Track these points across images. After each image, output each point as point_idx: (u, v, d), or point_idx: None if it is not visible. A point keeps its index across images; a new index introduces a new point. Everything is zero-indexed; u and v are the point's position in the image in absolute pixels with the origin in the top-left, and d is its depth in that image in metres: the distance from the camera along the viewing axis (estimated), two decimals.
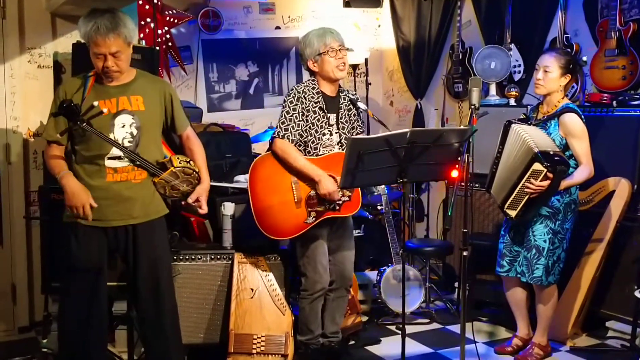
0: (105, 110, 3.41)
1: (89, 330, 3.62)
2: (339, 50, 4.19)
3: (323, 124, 4.23)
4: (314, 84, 4.25)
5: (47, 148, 3.62)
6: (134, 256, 3.66)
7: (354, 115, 4.39)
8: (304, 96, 4.19)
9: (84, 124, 3.32)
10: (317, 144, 4.22)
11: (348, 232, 4.46)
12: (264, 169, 4.19)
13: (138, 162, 3.54)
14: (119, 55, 3.45)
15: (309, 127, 4.19)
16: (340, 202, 4.18)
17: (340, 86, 4.36)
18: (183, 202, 3.78)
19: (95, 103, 3.36)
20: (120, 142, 3.53)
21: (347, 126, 4.33)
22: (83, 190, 3.46)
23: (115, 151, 3.52)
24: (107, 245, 3.64)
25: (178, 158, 3.67)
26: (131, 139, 3.56)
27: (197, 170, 3.72)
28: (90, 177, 3.54)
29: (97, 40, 3.39)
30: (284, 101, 4.23)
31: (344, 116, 4.31)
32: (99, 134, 3.40)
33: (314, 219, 4.17)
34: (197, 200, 3.74)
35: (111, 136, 3.51)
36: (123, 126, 3.55)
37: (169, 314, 3.76)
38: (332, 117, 4.27)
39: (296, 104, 4.17)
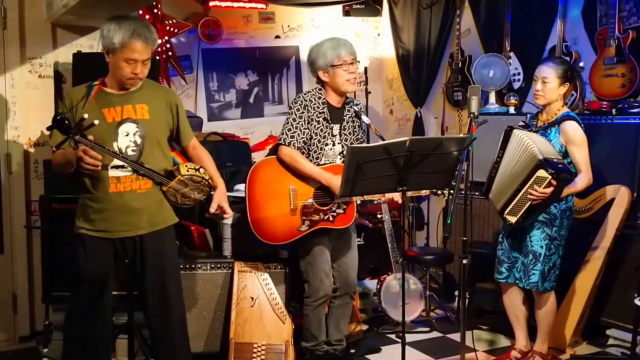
0: (96, 121, 3.30)
1: (94, 341, 3.62)
2: (351, 64, 4.20)
3: (326, 134, 4.24)
4: (320, 94, 4.27)
5: (53, 155, 3.58)
6: (142, 266, 3.65)
7: (358, 126, 4.40)
8: (309, 105, 4.21)
9: (77, 136, 3.25)
10: (319, 153, 4.24)
11: (351, 239, 4.47)
12: (264, 174, 4.23)
13: (142, 172, 3.53)
14: (147, 63, 3.49)
15: (312, 137, 4.21)
16: (335, 214, 4.20)
17: (347, 97, 4.37)
18: (207, 214, 3.79)
19: (85, 116, 3.27)
20: (123, 150, 3.51)
21: (351, 137, 4.34)
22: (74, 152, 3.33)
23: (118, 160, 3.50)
24: (115, 255, 3.63)
25: (186, 166, 3.65)
26: (135, 148, 3.54)
27: (207, 178, 3.69)
28: (95, 188, 3.53)
29: (135, 46, 3.41)
30: (290, 108, 4.26)
31: (348, 127, 4.32)
32: (93, 145, 3.32)
33: (307, 227, 4.20)
34: (219, 207, 3.74)
35: (114, 145, 3.50)
36: (127, 135, 3.53)
37: (177, 324, 3.74)
38: (336, 128, 4.28)
39: (302, 112, 4.19)
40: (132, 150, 3.54)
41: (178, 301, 3.78)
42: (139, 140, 3.56)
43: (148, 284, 3.67)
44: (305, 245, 4.30)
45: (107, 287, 3.63)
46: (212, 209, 3.74)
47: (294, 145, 4.16)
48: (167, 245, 3.72)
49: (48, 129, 3.34)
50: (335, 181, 4.10)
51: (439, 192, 4.15)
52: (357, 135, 4.39)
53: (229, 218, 3.87)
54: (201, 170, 3.69)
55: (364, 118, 4.36)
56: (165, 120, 3.68)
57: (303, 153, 4.21)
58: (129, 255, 3.65)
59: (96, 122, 3.31)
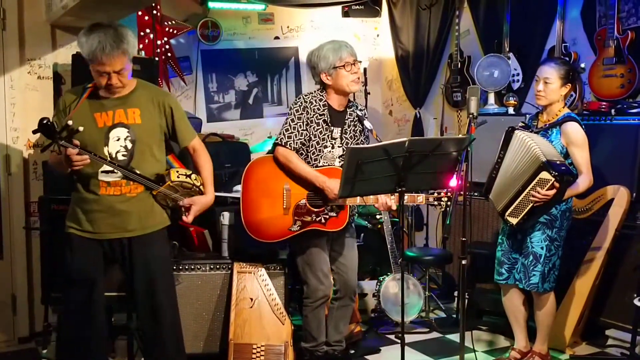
0: (81, 128, 3.25)
1: (86, 341, 3.60)
2: (354, 64, 4.20)
3: (325, 136, 4.24)
4: (322, 96, 4.26)
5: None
6: (130, 268, 3.64)
7: (360, 131, 4.39)
8: (309, 106, 4.20)
9: (62, 141, 3.22)
10: (318, 155, 4.23)
11: (350, 240, 4.47)
12: (260, 171, 4.24)
13: (131, 177, 3.51)
14: (123, 72, 3.43)
15: (311, 138, 4.20)
16: (327, 216, 4.20)
17: (350, 100, 4.36)
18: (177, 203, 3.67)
19: (70, 122, 3.24)
20: (114, 155, 3.50)
21: (352, 142, 4.33)
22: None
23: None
24: (104, 256, 3.62)
25: (177, 172, 3.62)
26: (125, 153, 3.53)
27: (198, 184, 3.67)
28: (85, 189, 3.53)
29: (102, 59, 3.34)
30: (290, 109, 4.25)
31: (349, 131, 4.31)
32: (80, 151, 3.30)
33: (298, 227, 4.20)
34: (189, 206, 3.66)
35: (105, 149, 3.49)
36: (117, 139, 3.52)
37: (168, 325, 3.71)
38: (336, 131, 4.27)
39: (302, 113, 4.18)
40: (123, 155, 3.53)
41: (169, 303, 3.74)
42: (129, 145, 3.53)
43: (137, 286, 3.65)
44: (302, 245, 4.30)
45: (96, 288, 3.59)
46: (184, 203, 3.64)
47: (290, 146, 4.16)
48: (158, 248, 3.69)
49: (34, 132, 3.30)
50: (328, 184, 4.10)
51: (435, 202, 4.17)
52: (358, 140, 4.38)
53: (186, 221, 3.72)
54: (193, 176, 3.66)
55: (367, 123, 4.33)
56: (157, 124, 3.64)
57: (301, 154, 4.21)
58: (117, 256, 3.64)
59: (80, 128, 3.27)
